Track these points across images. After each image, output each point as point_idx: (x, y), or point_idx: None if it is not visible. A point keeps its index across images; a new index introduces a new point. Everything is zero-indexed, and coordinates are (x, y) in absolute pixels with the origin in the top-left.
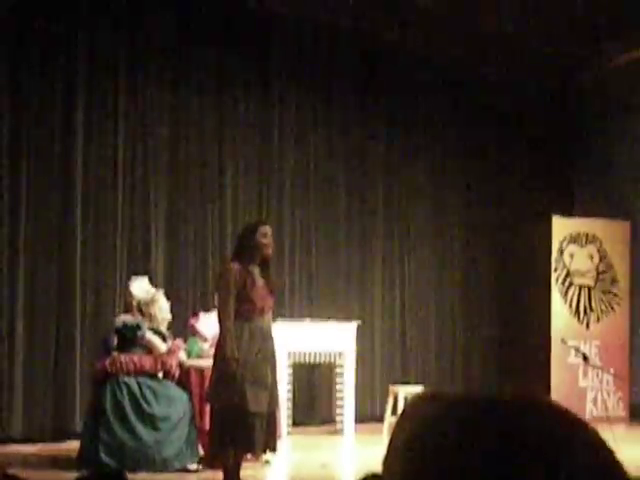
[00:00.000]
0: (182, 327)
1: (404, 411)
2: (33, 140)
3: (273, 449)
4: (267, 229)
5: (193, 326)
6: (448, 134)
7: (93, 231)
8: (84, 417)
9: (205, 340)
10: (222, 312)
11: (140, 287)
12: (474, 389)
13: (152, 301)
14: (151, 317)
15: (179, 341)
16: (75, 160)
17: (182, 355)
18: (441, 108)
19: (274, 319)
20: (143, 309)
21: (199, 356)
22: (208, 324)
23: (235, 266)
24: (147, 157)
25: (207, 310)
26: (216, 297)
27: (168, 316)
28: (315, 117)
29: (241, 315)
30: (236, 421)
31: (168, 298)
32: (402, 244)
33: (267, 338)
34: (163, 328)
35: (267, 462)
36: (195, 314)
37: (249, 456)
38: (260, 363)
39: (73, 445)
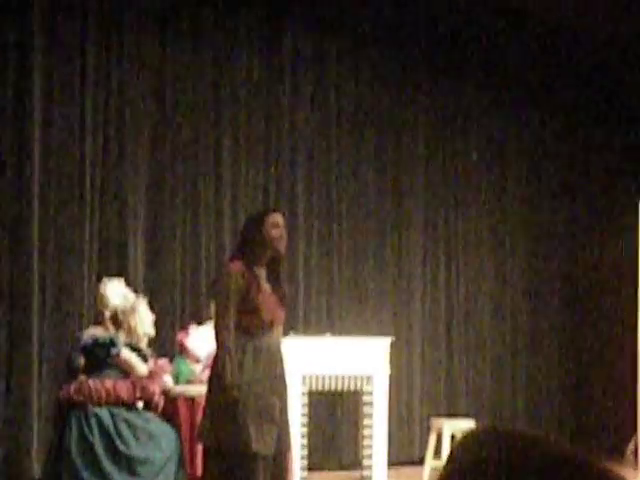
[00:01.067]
0: (167, 344)
1: (451, 454)
2: None
3: None
4: (278, 218)
5: (182, 343)
6: (510, 101)
7: (54, 223)
8: (43, 459)
9: (197, 361)
10: (220, 326)
11: (116, 291)
12: (540, 427)
13: (131, 310)
14: (129, 330)
15: (164, 362)
16: (32, 127)
17: (167, 380)
18: (503, 67)
19: (285, 334)
20: (120, 319)
21: (189, 381)
22: (201, 341)
23: (237, 267)
24: (123, 128)
25: (199, 323)
26: (212, 307)
27: (150, 331)
28: (337, 73)
29: (244, 330)
30: (236, 466)
31: (152, 309)
32: (448, 241)
33: (276, 359)
34: (143, 345)
35: None
36: (184, 328)
37: None
38: (267, 391)
39: None
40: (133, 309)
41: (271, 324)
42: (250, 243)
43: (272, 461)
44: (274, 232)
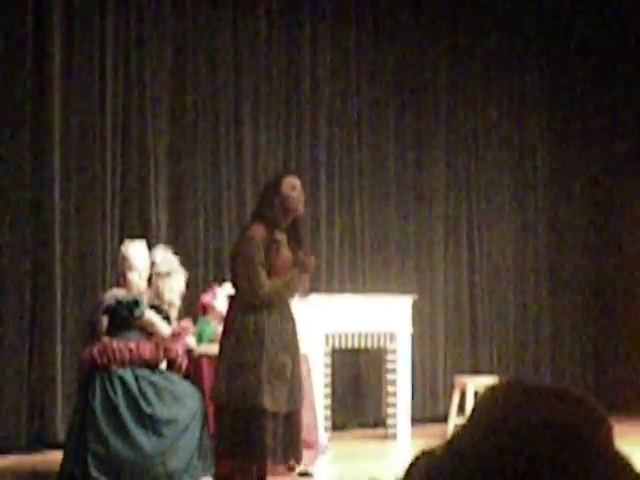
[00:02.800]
0: (190, 305)
1: (473, 409)
2: None
3: (297, 459)
4: (295, 181)
5: (208, 304)
6: (533, 59)
7: (76, 184)
8: (67, 421)
9: (221, 320)
10: (256, 288)
11: (139, 253)
12: (563, 380)
13: (166, 274)
14: (156, 293)
15: (187, 322)
16: (52, 91)
17: (191, 340)
18: (521, 21)
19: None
20: (153, 280)
21: (212, 341)
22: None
23: (259, 231)
24: (144, 93)
25: (221, 283)
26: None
27: (176, 301)
28: (358, 35)
29: None
30: (247, 422)
31: (187, 286)
32: (470, 197)
33: (287, 319)
34: (173, 311)
35: (307, 475)
36: (209, 289)
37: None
38: (279, 350)
39: (54, 457)
40: (168, 274)
41: None
42: (268, 206)
43: (284, 419)
44: (292, 193)
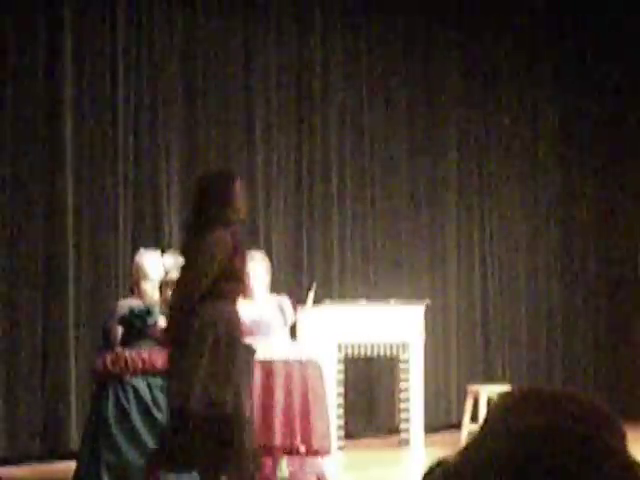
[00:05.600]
0: None
1: (487, 417)
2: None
3: (256, 467)
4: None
5: None
6: (544, 61)
7: (88, 192)
8: (81, 431)
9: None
10: (194, 293)
11: (153, 262)
12: (576, 389)
13: (173, 283)
14: (165, 301)
15: None
16: (63, 94)
17: None
18: (534, 25)
19: (320, 300)
20: (162, 289)
21: None
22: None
23: (223, 235)
24: (156, 102)
25: None
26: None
27: None
28: (368, 39)
29: (224, 296)
30: (223, 432)
31: None
32: (483, 202)
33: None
34: None
35: None
36: None
37: None
38: (232, 353)
39: (68, 466)
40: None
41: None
42: (224, 205)
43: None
44: (241, 197)
